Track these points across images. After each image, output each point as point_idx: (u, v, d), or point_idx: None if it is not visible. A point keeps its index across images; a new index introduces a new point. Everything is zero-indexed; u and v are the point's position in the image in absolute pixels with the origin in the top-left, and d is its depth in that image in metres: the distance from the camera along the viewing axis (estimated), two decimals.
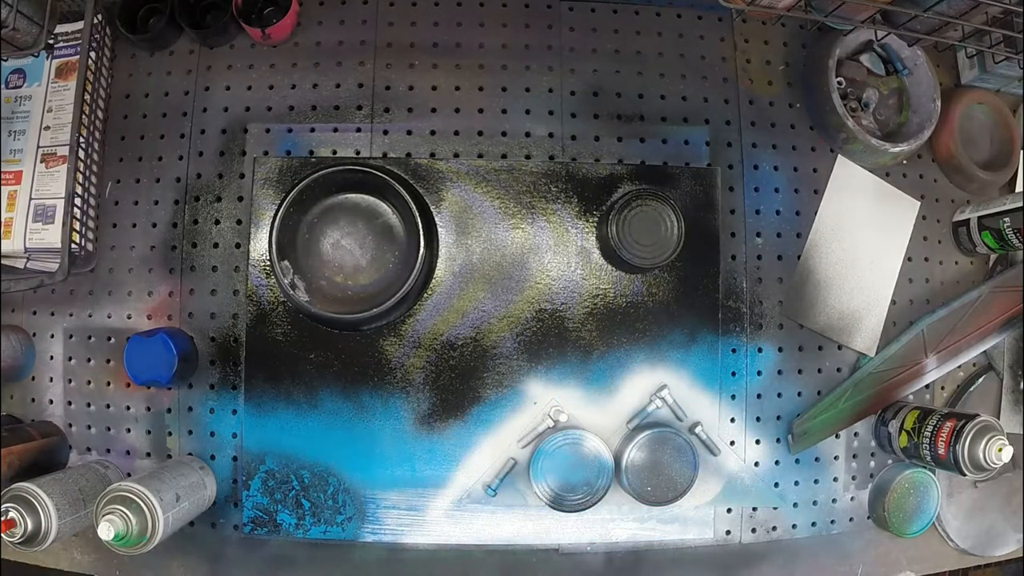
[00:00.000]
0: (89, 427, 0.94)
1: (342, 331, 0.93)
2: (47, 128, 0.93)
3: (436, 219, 0.94)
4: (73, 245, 0.87)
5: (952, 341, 0.97)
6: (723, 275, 0.97)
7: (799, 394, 0.98)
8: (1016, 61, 0.96)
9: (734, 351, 0.96)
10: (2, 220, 0.91)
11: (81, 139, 0.87)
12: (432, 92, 0.98)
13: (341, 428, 0.92)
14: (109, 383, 0.94)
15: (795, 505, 0.97)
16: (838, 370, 0.99)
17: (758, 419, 0.96)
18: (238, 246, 0.95)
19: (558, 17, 1.00)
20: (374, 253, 0.92)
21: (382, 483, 0.92)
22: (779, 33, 1.02)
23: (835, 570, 0.98)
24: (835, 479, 0.98)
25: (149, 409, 0.93)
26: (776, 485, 0.96)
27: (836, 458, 0.98)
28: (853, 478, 0.98)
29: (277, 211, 0.89)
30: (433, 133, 0.97)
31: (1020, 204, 0.93)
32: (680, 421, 0.94)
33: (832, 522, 0.98)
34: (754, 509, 0.96)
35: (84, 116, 0.89)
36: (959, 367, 1.00)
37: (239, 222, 0.95)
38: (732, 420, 0.96)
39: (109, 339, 0.94)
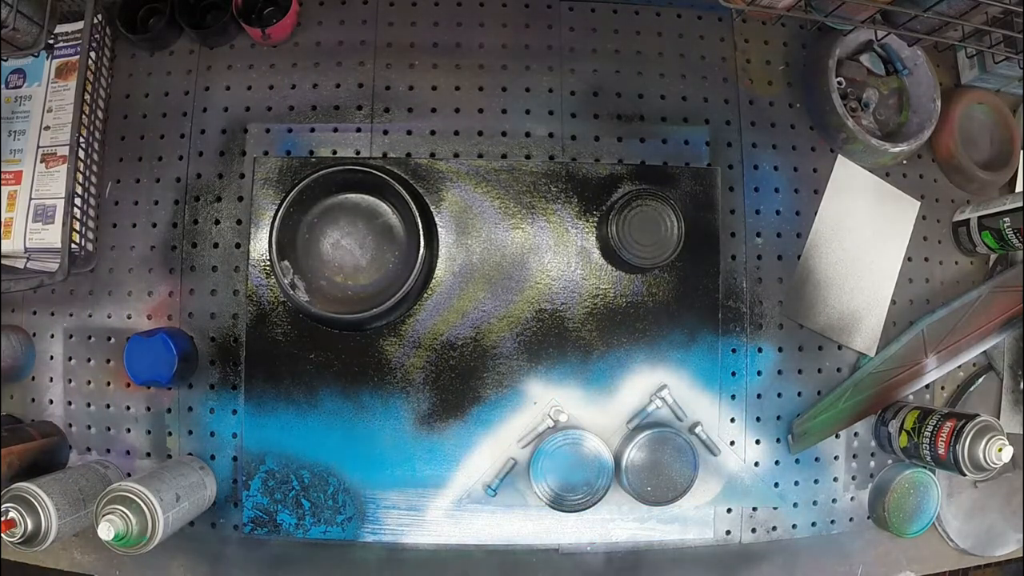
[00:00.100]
0: (89, 427, 0.94)
1: (342, 331, 0.93)
2: (47, 128, 0.93)
3: (436, 219, 0.94)
4: (73, 245, 0.87)
5: (952, 341, 0.97)
6: (723, 275, 0.97)
7: (799, 394, 0.98)
8: (1016, 61, 0.96)
9: (734, 351, 0.96)
10: (2, 220, 0.91)
11: (81, 139, 0.87)
12: (432, 92, 0.98)
13: (341, 428, 0.92)
14: (109, 383, 0.94)
15: (795, 505, 0.97)
16: (838, 370, 0.99)
17: (758, 419, 0.96)
18: (238, 246, 0.95)
19: (558, 17, 1.00)
20: (374, 253, 0.92)
21: (382, 483, 0.92)
22: (779, 33, 1.02)
23: (835, 570, 0.98)
24: (835, 479, 0.98)
25: (149, 409, 0.93)
26: (776, 485, 0.96)
27: (836, 458, 0.98)
28: (853, 478, 0.98)
29: (277, 211, 0.89)
30: (433, 133, 0.97)
31: (1020, 204, 0.93)
32: (680, 421, 0.94)
33: (832, 522, 0.98)
34: (754, 509, 0.96)
35: (84, 116, 0.89)
36: (959, 367, 1.00)
37: (239, 222, 0.95)
38: (732, 420, 0.96)
39: (109, 339, 0.94)
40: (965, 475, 0.86)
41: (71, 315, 0.95)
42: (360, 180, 0.90)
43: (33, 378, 0.95)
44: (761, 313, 0.98)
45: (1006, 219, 0.95)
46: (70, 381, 0.94)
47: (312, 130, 0.97)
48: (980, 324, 0.97)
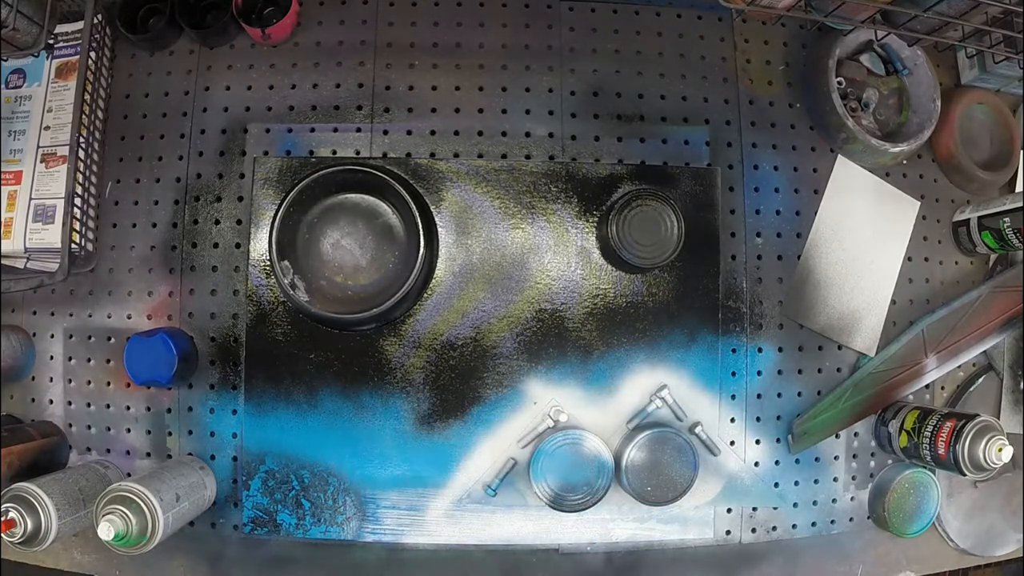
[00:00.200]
0: (89, 427, 0.94)
1: (342, 331, 0.93)
2: (47, 128, 0.93)
3: (436, 219, 0.94)
4: (73, 245, 0.87)
5: (952, 341, 0.97)
6: (723, 275, 0.97)
7: (799, 394, 0.98)
8: (1016, 61, 0.96)
9: (734, 351, 0.96)
10: (2, 220, 0.91)
11: (81, 139, 0.87)
12: (432, 92, 0.98)
13: (341, 428, 0.92)
14: (109, 383, 0.94)
15: (795, 505, 0.97)
16: (838, 370, 0.99)
17: (758, 419, 0.96)
18: (238, 246, 0.95)
19: (558, 17, 1.00)
20: (374, 253, 0.92)
21: (382, 483, 0.92)
22: (779, 33, 1.02)
23: (835, 570, 0.98)
24: (835, 479, 0.98)
25: (149, 409, 0.93)
26: (776, 485, 0.96)
27: (836, 458, 0.98)
28: (853, 478, 0.98)
29: (277, 211, 0.89)
30: (433, 133, 0.97)
31: (1020, 204, 0.93)
32: (680, 421, 0.94)
33: (832, 522, 0.98)
34: (754, 509, 0.96)
35: (84, 116, 0.89)
36: (959, 367, 1.00)
37: (239, 222, 0.95)
38: (732, 420, 0.96)
39: (109, 339, 0.94)
40: (965, 475, 0.86)
41: (71, 315, 0.95)
42: (360, 180, 0.90)
43: (33, 378, 0.95)
44: (761, 313, 0.98)
45: (1006, 219, 0.95)
46: (70, 381, 0.94)
47: (312, 130, 0.97)
48: (980, 324, 0.97)
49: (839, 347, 0.99)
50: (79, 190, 0.88)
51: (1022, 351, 1.01)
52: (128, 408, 0.93)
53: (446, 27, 0.99)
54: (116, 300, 0.95)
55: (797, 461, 0.97)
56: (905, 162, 1.02)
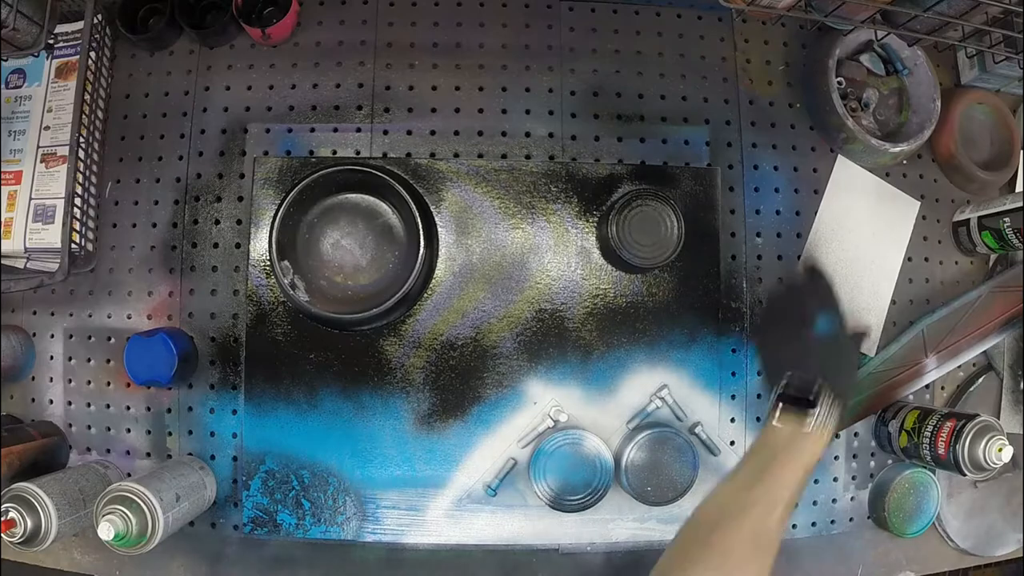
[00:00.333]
0: (89, 427, 0.94)
1: (342, 331, 0.93)
2: (47, 128, 0.93)
3: (436, 219, 0.94)
4: (73, 245, 0.87)
5: (952, 341, 0.97)
6: (723, 275, 0.97)
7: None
8: (1016, 61, 0.96)
9: (734, 351, 0.96)
10: (2, 220, 0.91)
11: (81, 139, 0.87)
12: (432, 92, 0.98)
13: (341, 428, 0.92)
14: (109, 383, 0.94)
15: (795, 505, 0.97)
16: None
17: (758, 419, 0.96)
18: (238, 246, 0.95)
19: (558, 17, 1.00)
20: (374, 253, 0.92)
21: (382, 483, 0.92)
22: (779, 33, 1.02)
23: (835, 570, 0.98)
24: (835, 479, 0.98)
25: (149, 409, 0.93)
26: None
27: (836, 458, 0.98)
28: (853, 478, 0.98)
29: (277, 211, 0.89)
30: (433, 133, 0.97)
31: (1020, 204, 0.93)
32: (680, 421, 0.94)
33: (832, 522, 0.97)
34: None
35: (84, 116, 0.89)
36: (959, 367, 1.00)
37: (239, 222, 0.95)
38: (732, 420, 0.96)
39: (109, 339, 0.94)
40: (965, 475, 0.86)
41: (71, 315, 0.95)
42: (360, 180, 0.90)
43: (33, 378, 0.95)
44: (761, 313, 0.98)
45: (1006, 219, 0.95)
46: (70, 381, 0.94)
47: (312, 130, 0.97)
48: (980, 324, 0.97)
49: None
50: (79, 190, 0.88)
51: (1022, 351, 1.01)
52: (128, 408, 0.93)
53: (446, 27, 0.99)
54: (116, 300, 0.95)
55: None
56: (905, 162, 1.02)
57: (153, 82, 0.98)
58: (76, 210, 0.87)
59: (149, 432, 0.93)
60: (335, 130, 0.97)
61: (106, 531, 0.75)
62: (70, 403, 0.94)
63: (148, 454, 0.93)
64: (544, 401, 0.94)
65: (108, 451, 0.93)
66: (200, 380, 0.94)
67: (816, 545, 0.97)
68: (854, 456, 0.98)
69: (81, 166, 0.88)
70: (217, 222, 0.96)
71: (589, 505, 0.89)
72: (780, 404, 0.68)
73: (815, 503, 0.97)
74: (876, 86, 1.01)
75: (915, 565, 0.99)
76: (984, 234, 0.98)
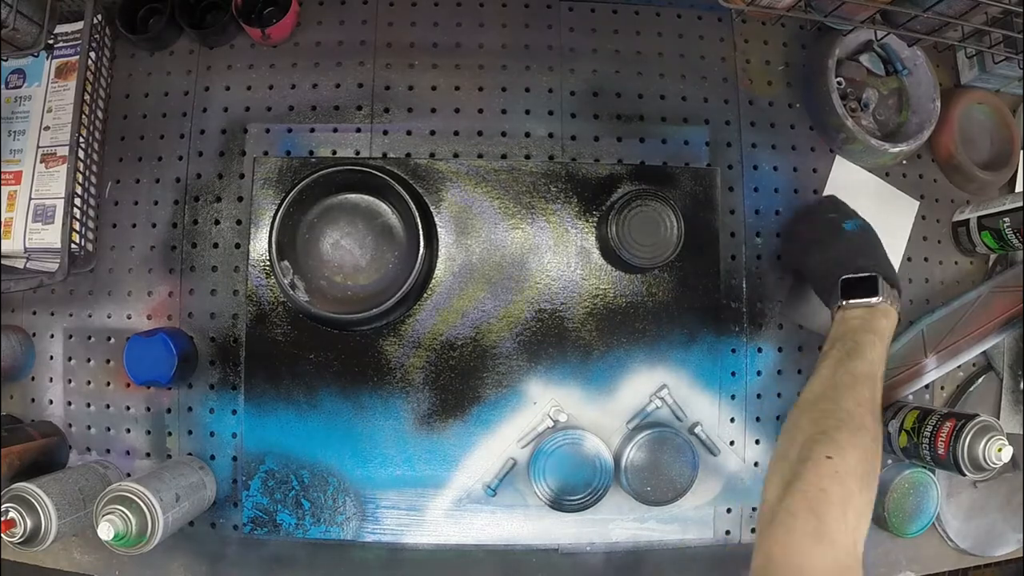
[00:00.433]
0: (89, 427, 0.94)
1: (342, 331, 0.93)
2: (47, 128, 0.93)
3: (436, 219, 0.94)
4: (73, 245, 0.87)
5: (952, 341, 0.97)
6: (723, 275, 0.97)
7: (799, 394, 0.97)
8: (1016, 61, 0.96)
9: (734, 351, 0.96)
10: (2, 220, 0.91)
11: (81, 139, 0.87)
12: (432, 92, 0.98)
13: (341, 428, 0.92)
14: (109, 383, 0.94)
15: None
16: None
17: (758, 419, 0.96)
18: (238, 246, 0.95)
19: (558, 17, 1.00)
20: (374, 253, 0.92)
21: (382, 483, 0.92)
22: (779, 33, 1.02)
23: None
24: None
25: (149, 409, 0.93)
26: None
27: None
28: None
29: (277, 211, 0.89)
30: (433, 133, 0.97)
31: (1020, 204, 0.93)
32: (680, 421, 0.94)
33: None
34: (754, 509, 0.96)
35: (84, 116, 0.89)
36: (959, 367, 0.99)
37: (239, 222, 0.95)
38: (732, 420, 0.96)
39: (109, 339, 0.94)
40: (965, 475, 0.86)
41: (71, 315, 0.95)
42: (360, 180, 0.90)
43: (33, 378, 0.95)
44: (761, 313, 0.98)
45: (1006, 219, 0.95)
46: (70, 381, 0.94)
47: (312, 130, 0.97)
48: (980, 324, 0.97)
49: None
50: (79, 190, 0.88)
51: (1022, 351, 1.01)
52: (128, 408, 0.93)
53: (446, 27, 0.99)
54: (116, 300, 0.95)
55: None
56: (905, 162, 1.02)
57: (153, 82, 0.98)
58: (76, 210, 0.87)
59: (149, 432, 0.93)
60: (335, 130, 0.97)
61: (106, 531, 0.75)
62: (70, 403, 0.94)
63: (148, 454, 0.93)
64: (544, 401, 0.94)
65: (108, 451, 0.93)
66: (200, 380, 0.94)
67: None
68: None
69: (81, 166, 0.88)
70: (217, 222, 0.96)
71: (589, 505, 0.89)
72: (845, 301, 0.80)
73: None
74: (876, 86, 1.01)
75: (915, 565, 0.99)
76: (984, 234, 0.98)
